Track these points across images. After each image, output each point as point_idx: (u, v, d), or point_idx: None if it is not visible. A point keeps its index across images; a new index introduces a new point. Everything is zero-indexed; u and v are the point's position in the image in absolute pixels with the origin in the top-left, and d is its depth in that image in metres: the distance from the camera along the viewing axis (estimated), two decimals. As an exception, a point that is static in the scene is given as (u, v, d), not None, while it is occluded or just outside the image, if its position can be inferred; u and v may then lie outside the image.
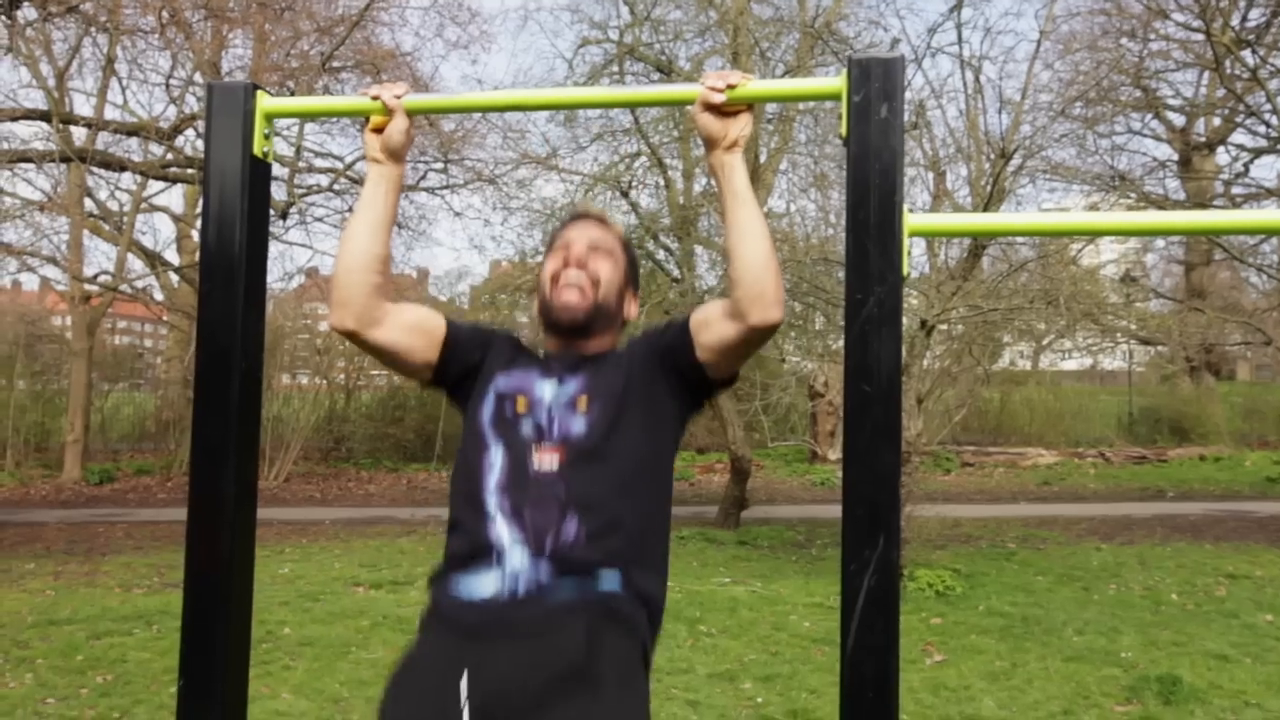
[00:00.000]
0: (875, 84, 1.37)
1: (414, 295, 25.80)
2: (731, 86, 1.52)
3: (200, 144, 14.01)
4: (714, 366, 1.78)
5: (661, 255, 12.69)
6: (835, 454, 17.39)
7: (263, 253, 1.58)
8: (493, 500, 1.71)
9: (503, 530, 1.68)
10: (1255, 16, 12.53)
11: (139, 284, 16.38)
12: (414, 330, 1.82)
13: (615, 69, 12.30)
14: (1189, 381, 23.81)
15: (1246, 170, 17.42)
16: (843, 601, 1.34)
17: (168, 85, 12.77)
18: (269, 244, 1.61)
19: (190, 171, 12.56)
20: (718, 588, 7.71)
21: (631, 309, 1.96)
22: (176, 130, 11.73)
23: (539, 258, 14.11)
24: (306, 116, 2.12)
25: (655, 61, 12.30)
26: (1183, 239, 21.70)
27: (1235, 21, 12.21)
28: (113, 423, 19.47)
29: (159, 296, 17.38)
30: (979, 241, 8.10)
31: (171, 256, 18.39)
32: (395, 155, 1.73)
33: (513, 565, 1.66)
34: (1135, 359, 26.44)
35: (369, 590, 7.59)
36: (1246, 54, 11.89)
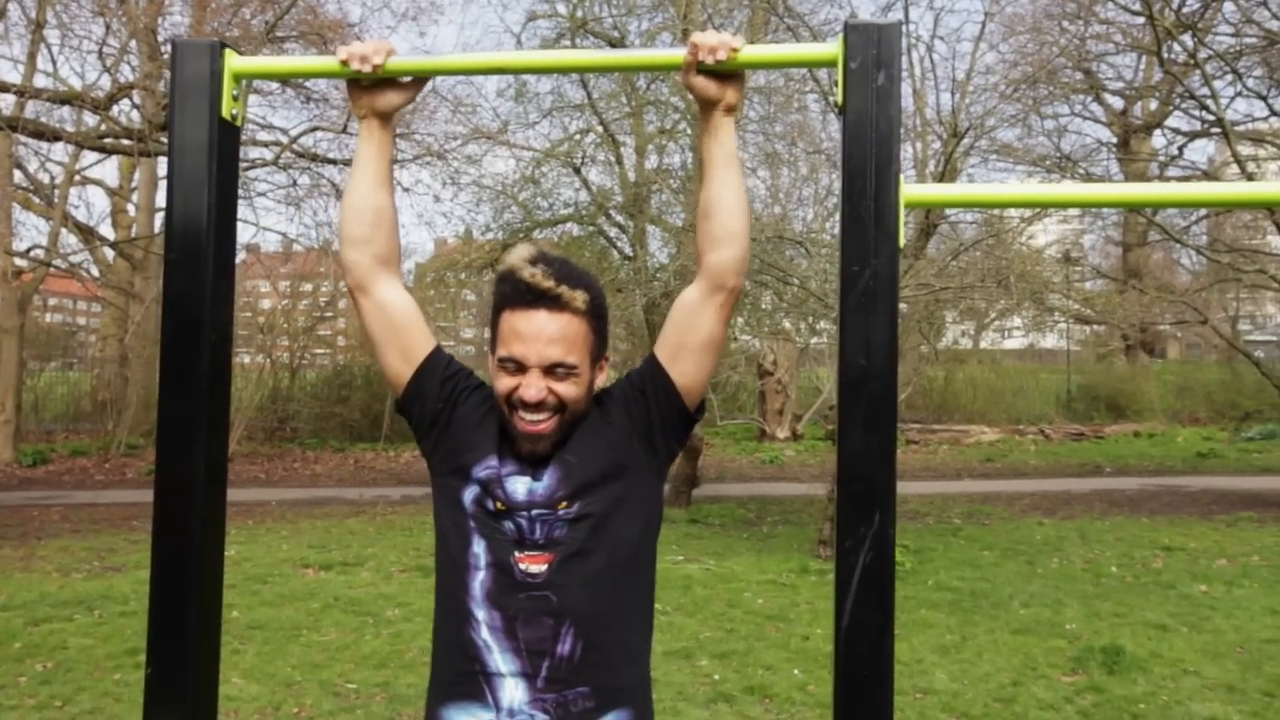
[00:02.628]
0: (872, 50, 1.34)
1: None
2: (735, 50, 1.49)
3: (137, 114, 13.69)
4: (690, 390, 1.72)
5: (614, 232, 12.62)
6: (784, 432, 17.54)
7: (231, 220, 1.50)
8: (480, 611, 1.64)
9: (496, 655, 1.62)
10: (1191, 1, 12.80)
11: (73, 259, 15.86)
12: (412, 311, 1.74)
13: (566, 43, 12.16)
14: (1124, 360, 24.44)
15: (1181, 153, 17.87)
16: (837, 579, 1.32)
17: (101, 53, 12.35)
18: (237, 212, 1.54)
19: (126, 143, 12.15)
20: (671, 565, 7.73)
21: (600, 378, 1.78)
22: (112, 100, 11.32)
23: (488, 234, 14.03)
24: (278, 77, 2.02)
25: (607, 36, 12.18)
26: (1120, 220, 22.21)
27: (1174, 4, 12.42)
28: (46, 403, 18.91)
29: (94, 272, 16.86)
30: (930, 220, 8.17)
31: (106, 231, 17.86)
32: (383, 114, 1.66)
33: (509, 703, 1.60)
34: (1072, 338, 27.04)
35: (318, 572, 7.47)
36: (1186, 37, 12.12)
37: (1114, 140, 20.33)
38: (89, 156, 14.61)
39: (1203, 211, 16.17)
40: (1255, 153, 15.87)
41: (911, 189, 1.35)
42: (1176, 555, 8.28)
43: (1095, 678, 5.09)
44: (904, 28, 9.60)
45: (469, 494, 1.68)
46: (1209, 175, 17.05)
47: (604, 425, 1.72)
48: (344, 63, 1.53)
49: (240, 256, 18.51)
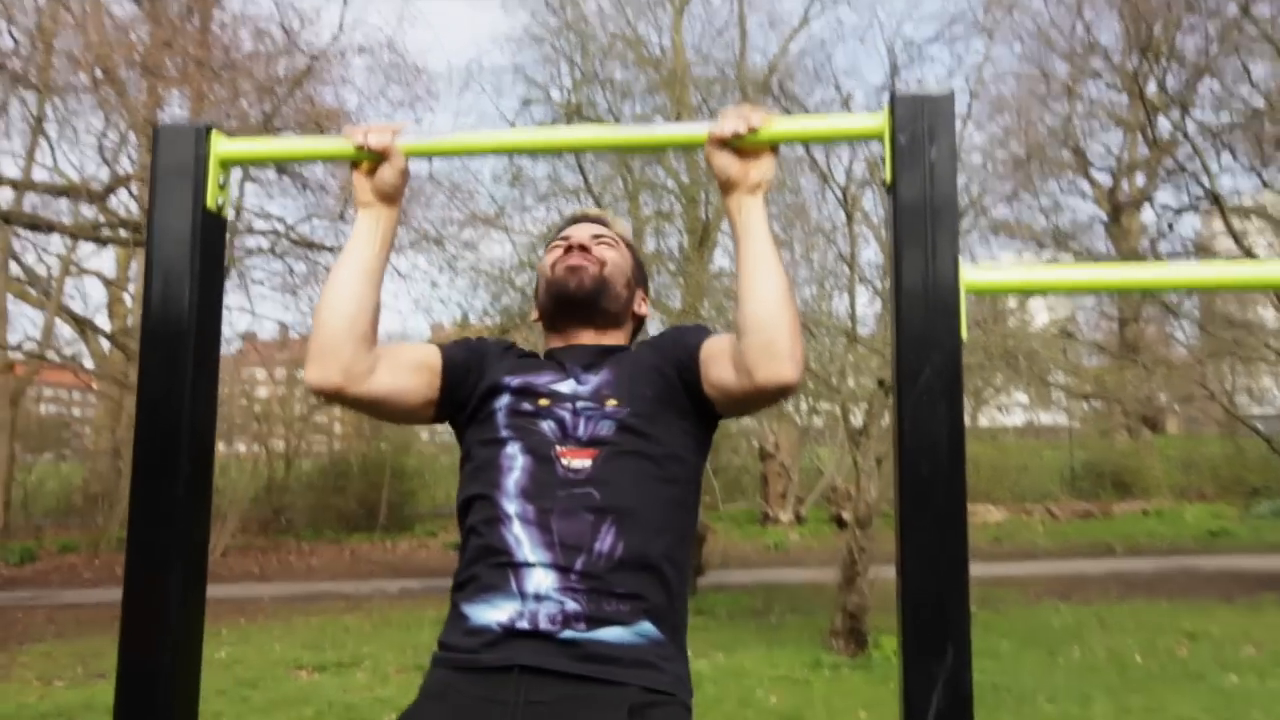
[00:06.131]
0: (923, 123, 1.22)
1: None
2: (754, 129, 1.36)
3: (134, 205, 13.74)
4: (720, 405, 1.62)
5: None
6: (787, 515, 17.24)
7: (216, 318, 1.36)
8: (512, 506, 1.50)
9: (526, 548, 1.46)
10: (1172, 84, 12.98)
11: (67, 351, 15.75)
12: (411, 370, 1.63)
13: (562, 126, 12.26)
14: (1126, 436, 24.22)
15: (1171, 228, 17.99)
16: (906, 724, 1.14)
17: (100, 146, 12.42)
18: (222, 309, 1.40)
19: (123, 233, 12.14)
20: (679, 660, 7.42)
21: (643, 306, 1.84)
22: (109, 191, 11.35)
23: (486, 319, 13.96)
24: (267, 162, 1.91)
25: (601, 122, 12.29)
26: (1115, 294, 22.24)
27: (1155, 85, 12.60)
28: (36, 497, 18.56)
29: (89, 364, 16.72)
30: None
31: (102, 322, 17.79)
32: (389, 199, 1.53)
33: (535, 589, 1.45)
34: (1073, 414, 26.85)
35: (312, 674, 7.16)
36: (1175, 112, 12.27)
37: (1103, 216, 20.50)
38: (86, 247, 14.62)
39: (1199, 286, 16.16)
40: (1243, 226, 15.98)
41: (973, 273, 1.21)
42: (1201, 642, 7.98)
43: (1133, 779, 4.81)
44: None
45: (502, 402, 1.59)
46: (1201, 249, 17.14)
47: (644, 357, 1.69)
48: (359, 147, 1.43)
49: (237, 345, 18.43)
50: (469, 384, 1.66)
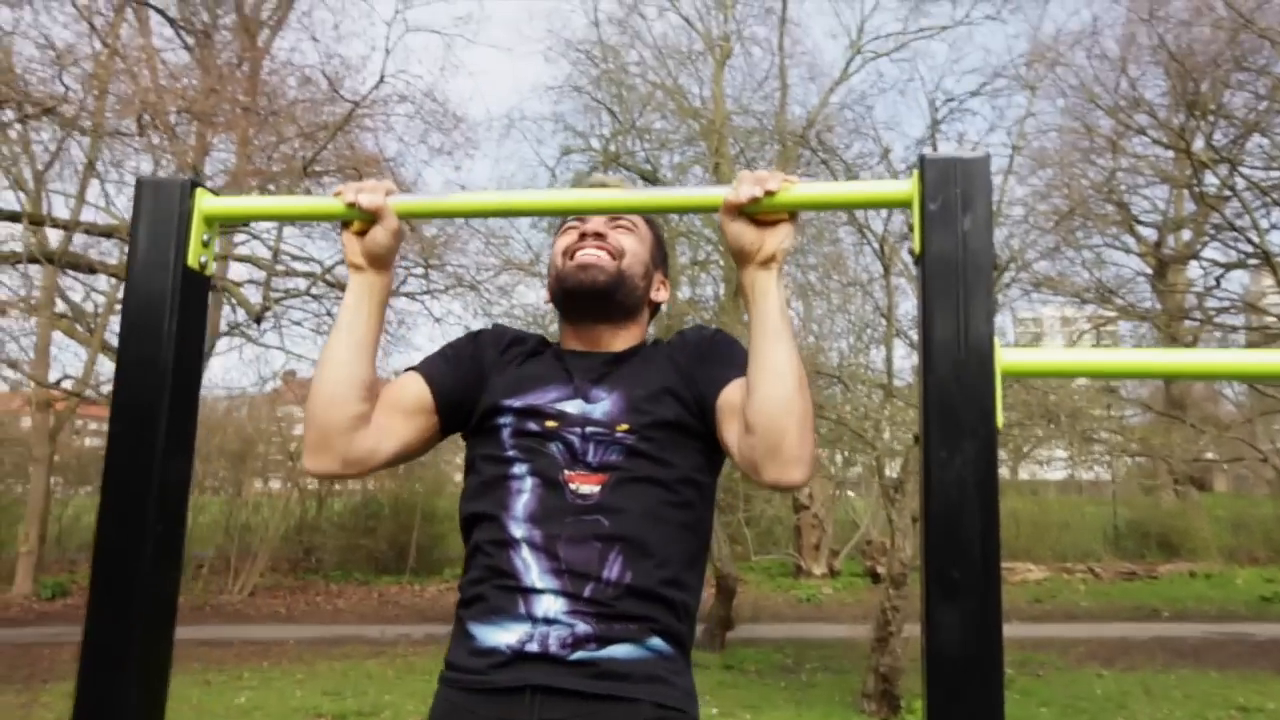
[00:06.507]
0: (955, 188, 1.11)
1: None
2: (770, 193, 1.26)
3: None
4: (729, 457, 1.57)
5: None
6: (820, 568, 16.92)
7: (194, 385, 1.27)
8: (519, 530, 1.46)
9: (534, 573, 1.44)
10: (1220, 138, 12.74)
11: (109, 386, 15.91)
12: (406, 421, 1.57)
13: (598, 175, 12.32)
14: (1172, 494, 23.55)
15: (1218, 284, 17.59)
16: None
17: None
18: (203, 370, 1.31)
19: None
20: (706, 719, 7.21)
21: (661, 292, 1.74)
22: (153, 233, 11.51)
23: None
24: (258, 219, 1.86)
25: (639, 170, 12.31)
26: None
27: (1202, 141, 12.38)
28: (72, 531, 18.69)
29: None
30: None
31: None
32: (380, 262, 1.46)
33: (545, 613, 1.42)
34: (1115, 470, 26.19)
35: (330, 723, 7.04)
36: (1223, 168, 12.04)
37: (1148, 271, 20.12)
38: (130, 286, 14.80)
39: (1241, 340, 15.79)
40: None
41: (1010, 355, 1.10)
42: (1254, 717, 7.62)
43: None
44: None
45: (506, 421, 1.53)
46: (1250, 306, 16.75)
47: (660, 365, 1.61)
48: (350, 205, 1.36)
49: (274, 384, 18.55)
50: (466, 405, 1.61)
